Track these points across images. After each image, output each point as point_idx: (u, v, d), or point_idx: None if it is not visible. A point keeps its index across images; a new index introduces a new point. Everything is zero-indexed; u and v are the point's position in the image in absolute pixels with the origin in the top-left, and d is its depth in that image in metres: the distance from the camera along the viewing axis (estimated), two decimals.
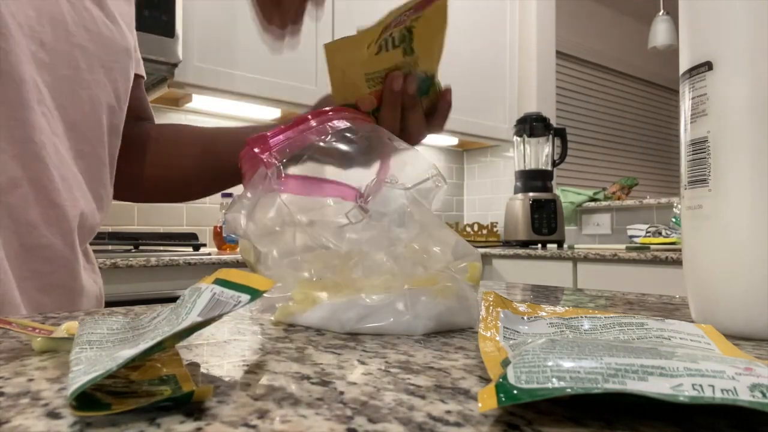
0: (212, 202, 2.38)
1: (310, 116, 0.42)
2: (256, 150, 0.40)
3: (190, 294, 0.26)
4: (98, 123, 0.62)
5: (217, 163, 0.71)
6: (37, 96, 0.55)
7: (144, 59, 0.77)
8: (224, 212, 0.44)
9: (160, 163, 0.74)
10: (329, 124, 0.42)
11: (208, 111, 2.34)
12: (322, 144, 0.41)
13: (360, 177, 0.42)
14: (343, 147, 0.42)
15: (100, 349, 0.25)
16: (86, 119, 0.61)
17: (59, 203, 0.57)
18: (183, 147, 0.74)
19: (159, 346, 0.22)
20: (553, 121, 2.78)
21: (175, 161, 0.74)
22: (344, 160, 0.42)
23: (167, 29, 1.87)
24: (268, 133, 0.41)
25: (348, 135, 0.42)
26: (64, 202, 0.58)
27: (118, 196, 0.74)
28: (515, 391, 0.19)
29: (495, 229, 2.89)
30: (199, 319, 0.24)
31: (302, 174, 0.41)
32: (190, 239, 2.11)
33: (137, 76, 0.74)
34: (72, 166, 0.59)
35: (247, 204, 0.41)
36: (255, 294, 0.25)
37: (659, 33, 3.32)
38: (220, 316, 0.24)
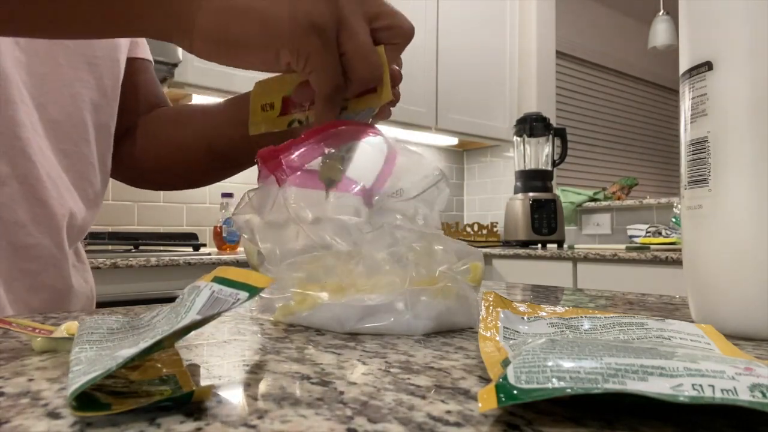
0: (212, 202, 2.38)
1: (316, 130, 0.42)
2: (268, 166, 0.40)
3: (189, 292, 0.26)
4: (81, 121, 0.60)
5: (212, 140, 0.65)
6: (18, 94, 0.54)
7: None
8: (233, 210, 0.44)
9: (159, 147, 0.69)
10: (336, 135, 0.41)
11: None
12: (331, 156, 0.41)
13: (364, 174, 0.42)
14: (351, 157, 0.42)
15: (100, 349, 0.25)
16: (68, 118, 0.59)
17: (47, 202, 0.56)
18: (183, 131, 0.68)
19: (158, 345, 0.22)
20: (553, 121, 2.78)
21: (176, 146, 0.68)
22: (352, 169, 0.42)
23: None
24: (279, 148, 0.41)
25: (356, 144, 0.42)
26: (53, 201, 0.57)
27: (125, 179, 0.72)
28: (515, 392, 0.19)
29: (495, 229, 2.89)
30: (198, 317, 0.24)
31: (308, 168, 0.41)
32: (190, 239, 2.11)
33: (143, 60, 0.71)
34: (56, 165, 0.58)
35: (255, 200, 0.42)
36: (253, 291, 0.25)
37: (659, 33, 3.32)
38: (219, 314, 0.24)
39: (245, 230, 0.42)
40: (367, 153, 0.42)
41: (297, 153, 0.40)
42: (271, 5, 0.37)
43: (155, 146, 0.69)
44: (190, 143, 0.66)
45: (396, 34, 0.43)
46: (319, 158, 0.41)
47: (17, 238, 0.55)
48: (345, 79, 0.41)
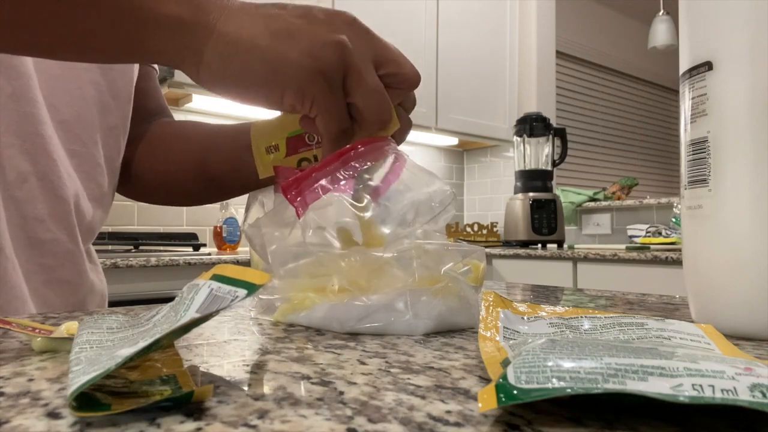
0: None
1: (335, 156, 0.41)
2: (288, 197, 0.39)
3: (188, 291, 0.26)
4: (90, 122, 0.61)
5: (211, 171, 0.65)
6: (38, 93, 0.55)
7: None
8: (245, 220, 0.43)
9: (156, 162, 0.69)
10: (353, 157, 0.41)
11: (208, 111, 2.34)
12: (349, 184, 0.40)
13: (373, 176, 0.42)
14: (371, 182, 0.41)
15: (100, 348, 0.25)
16: (78, 118, 0.60)
17: (65, 198, 0.57)
18: (180, 150, 0.67)
19: (158, 344, 0.23)
20: (553, 121, 2.78)
21: (172, 163, 0.68)
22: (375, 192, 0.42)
23: None
24: (300, 176, 0.40)
25: (375, 169, 0.42)
26: (70, 198, 0.58)
27: (125, 191, 0.72)
28: (515, 392, 0.19)
29: (495, 229, 2.89)
30: (197, 315, 0.24)
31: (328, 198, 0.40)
32: (189, 239, 2.11)
33: (150, 68, 0.71)
34: (68, 164, 0.59)
35: (271, 216, 0.41)
36: (252, 288, 0.25)
37: (659, 33, 3.32)
38: (218, 312, 0.24)
39: (255, 241, 0.42)
40: (380, 167, 0.42)
41: (317, 184, 0.40)
42: (278, 45, 0.37)
43: (153, 162, 0.68)
44: (187, 164, 0.65)
45: (401, 81, 0.43)
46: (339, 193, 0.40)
47: (36, 233, 0.56)
48: (354, 122, 0.41)
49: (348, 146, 0.41)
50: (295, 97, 0.39)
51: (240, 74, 0.38)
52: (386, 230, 0.39)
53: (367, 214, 0.39)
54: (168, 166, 0.67)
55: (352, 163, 0.40)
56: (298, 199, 0.39)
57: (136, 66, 0.67)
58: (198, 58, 0.38)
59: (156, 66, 0.73)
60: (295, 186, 0.40)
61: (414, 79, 0.43)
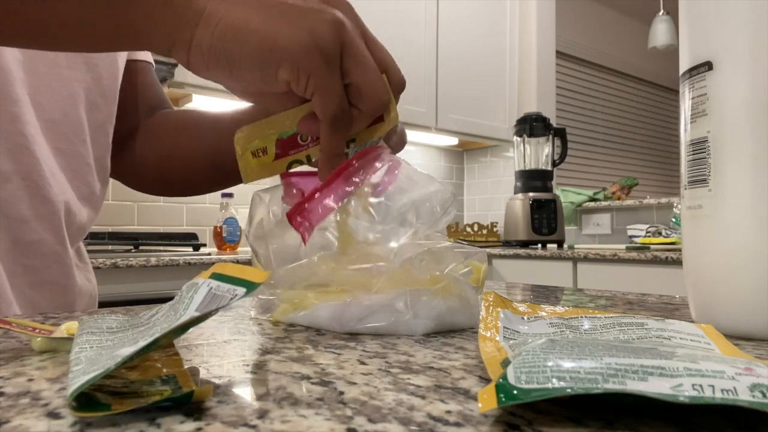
0: (212, 202, 2.38)
1: (335, 174, 0.40)
2: (293, 223, 0.39)
3: (188, 290, 0.26)
4: (78, 120, 0.60)
5: (217, 154, 0.64)
6: (20, 91, 0.55)
7: None
8: (249, 230, 0.43)
9: (160, 153, 0.68)
10: (353, 172, 0.40)
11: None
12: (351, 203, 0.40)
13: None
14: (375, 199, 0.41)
15: (100, 348, 0.25)
16: (65, 117, 0.59)
17: (50, 199, 0.57)
18: (186, 139, 0.67)
19: (157, 343, 0.23)
20: (553, 121, 2.78)
21: (177, 153, 0.67)
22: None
23: None
24: (304, 198, 0.39)
25: (375, 178, 0.41)
26: (55, 198, 0.57)
27: (126, 182, 0.71)
28: (515, 392, 0.19)
29: (495, 229, 2.89)
30: (197, 313, 0.24)
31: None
32: (189, 239, 2.11)
33: (144, 63, 0.71)
34: (54, 163, 0.59)
35: (278, 229, 0.41)
36: (251, 287, 0.25)
37: (659, 33, 3.31)
38: (217, 310, 0.24)
39: (260, 253, 0.42)
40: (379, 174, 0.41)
41: (320, 204, 0.39)
42: (272, 22, 0.36)
43: (158, 153, 0.68)
44: (194, 154, 0.65)
45: (389, 81, 0.42)
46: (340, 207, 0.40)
47: (20, 234, 0.55)
48: (353, 109, 0.40)
49: (345, 163, 0.40)
50: (290, 73, 0.37)
51: (232, 54, 0.37)
52: (393, 244, 0.38)
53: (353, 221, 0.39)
54: (173, 156, 0.66)
55: (353, 178, 0.40)
56: (305, 224, 0.38)
57: (122, 62, 0.66)
58: (188, 42, 0.37)
59: (152, 60, 0.73)
60: (299, 211, 0.39)
61: (399, 82, 0.42)
